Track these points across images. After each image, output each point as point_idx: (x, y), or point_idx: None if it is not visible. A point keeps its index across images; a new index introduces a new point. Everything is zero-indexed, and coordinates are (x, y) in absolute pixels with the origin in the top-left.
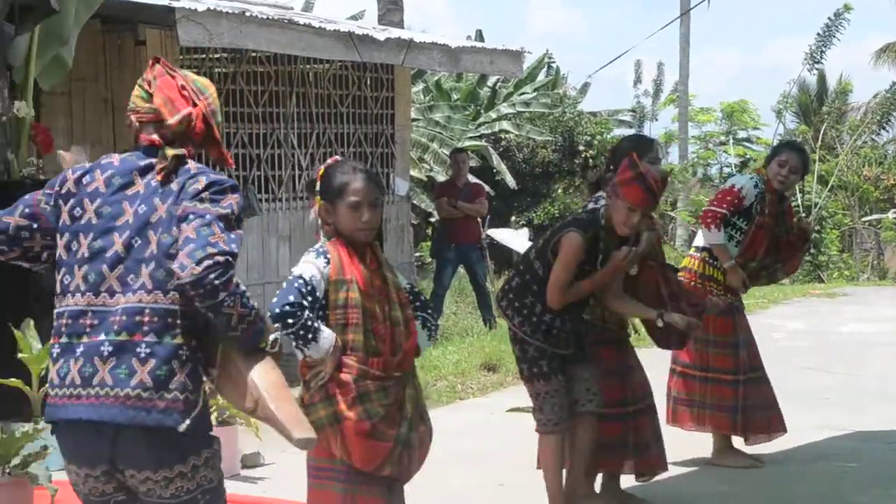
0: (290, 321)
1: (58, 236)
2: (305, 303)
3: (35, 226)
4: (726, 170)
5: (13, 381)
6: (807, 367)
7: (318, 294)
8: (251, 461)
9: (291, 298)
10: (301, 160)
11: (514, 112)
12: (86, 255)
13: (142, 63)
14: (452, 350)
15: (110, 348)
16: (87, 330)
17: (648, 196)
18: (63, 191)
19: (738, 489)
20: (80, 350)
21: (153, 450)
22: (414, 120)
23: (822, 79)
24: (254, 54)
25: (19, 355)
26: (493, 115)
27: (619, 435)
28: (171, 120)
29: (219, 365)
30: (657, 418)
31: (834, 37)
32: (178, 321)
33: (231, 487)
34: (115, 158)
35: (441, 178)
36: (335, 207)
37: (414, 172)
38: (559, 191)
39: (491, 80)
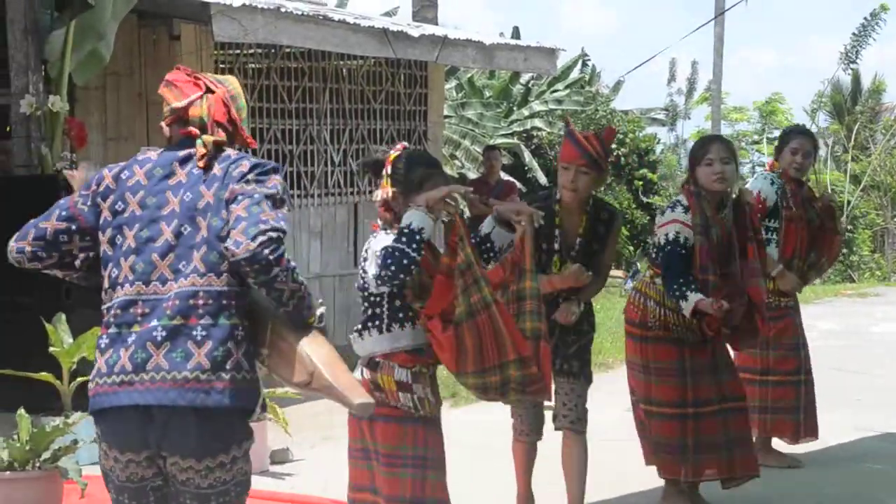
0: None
1: (100, 234)
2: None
3: (74, 227)
4: (759, 168)
5: (44, 375)
6: (839, 368)
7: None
8: (280, 457)
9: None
10: (333, 156)
11: (547, 109)
12: (132, 246)
13: (176, 58)
14: None
15: (164, 333)
16: (139, 319)
17: (577, 150)
18: (101, 189)
19: (769, 490)
20: (131, 339)
21: (202, 437)
22: (446, 117)
23: (856, 78)
24: (288, 50)
25: (50, 349)
26: (526, 112)
27: (678, 437)
28: (178, 104)
29: (269, 344)
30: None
31: (870, 36)
32: (233, 302)
33: (259, 483)
34: (152, 153)
35: (473, 175)
36: (409, 199)
37: (446, 169)
38: None
39: (524, 78)
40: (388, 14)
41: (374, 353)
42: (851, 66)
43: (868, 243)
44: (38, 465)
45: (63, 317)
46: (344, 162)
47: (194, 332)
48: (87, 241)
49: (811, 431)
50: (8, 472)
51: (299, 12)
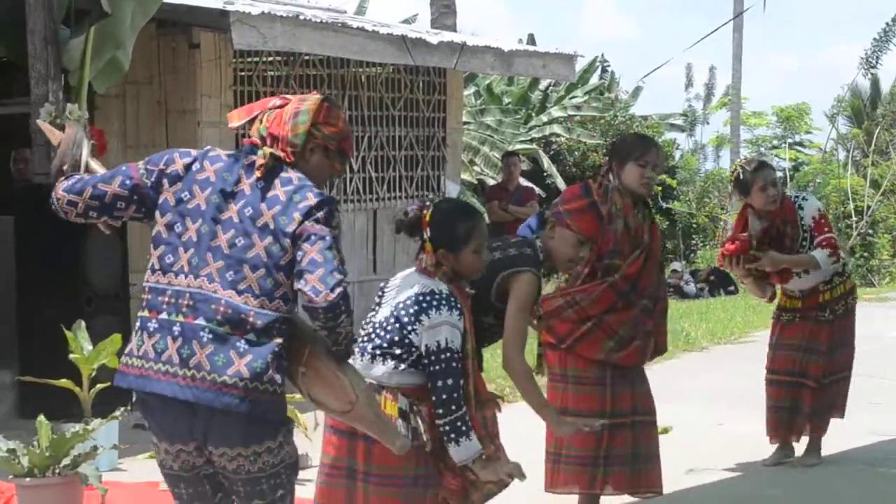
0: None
1: (157, 213)
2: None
3: (134, 197)
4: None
5: (64, 382)
6: (857, 372)
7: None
8: (300, 463)
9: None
10: (352, 163)
11: (566, 116)
12: (193, 239)
13: (195, 66)
14: (500, 353)
15: (211, 336)
16: (184, 310)
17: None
18: (169, 171)
19: (785, 492)
20: (177, 329)
21: (244, 428)
22: (465, 123)
23: (875, 83)
24: (307, 57)
25: (70, 356)
26: (545, 118)
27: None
28: (232, 124)
29: (305, 363)
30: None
31: (891, 42)
32: (280, 326)
33: None
34: (221, 153)
35: (492, 181)
36: (459, 254)
37: (465, 175)
38: None
39: (542, 84)
40: (406, 21)
41: (381, 381)
42: (872, 71)
43: (888, 247)
44: (57, 471)
45: (83, 324)
46: (363, 169)
47: (238, 345)
48: (142, 212)
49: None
50: (28, 479)
51: (318, 20)
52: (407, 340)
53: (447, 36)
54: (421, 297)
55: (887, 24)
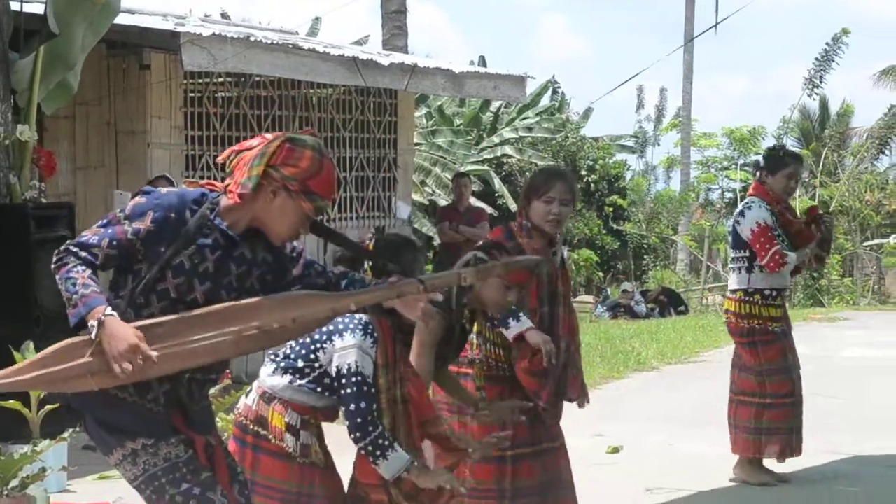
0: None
1: None
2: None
3: None
4: (728, 195)
5: (12, 403)
6: (809, 392)
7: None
8: None
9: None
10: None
11: (517, 137)
12: None
13: (146, 87)
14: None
15: None
16: None
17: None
18: None
19: None
20: None
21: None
22: (416, 144)
23: (823, 104)
24: (258, 79)
25: None
26: (496, 139)
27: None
28: (219, 159)
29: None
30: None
31: (833, 61)
32: None
33: None
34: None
35: (443, 202)
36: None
37: (416, 196)
38: None
39: (494, 105)
40: (358, 42)
41: (275, 392)
42: (816, 91)
43: (837, 268)
44: (6, 492)
45: (31, 345)
46: None
47: None
48: None
49: (798, 450)
50: None
51: (269, 41)
52: (312, 356)
53: (398, 57)
54: (338, 319)
55: (828, 44)
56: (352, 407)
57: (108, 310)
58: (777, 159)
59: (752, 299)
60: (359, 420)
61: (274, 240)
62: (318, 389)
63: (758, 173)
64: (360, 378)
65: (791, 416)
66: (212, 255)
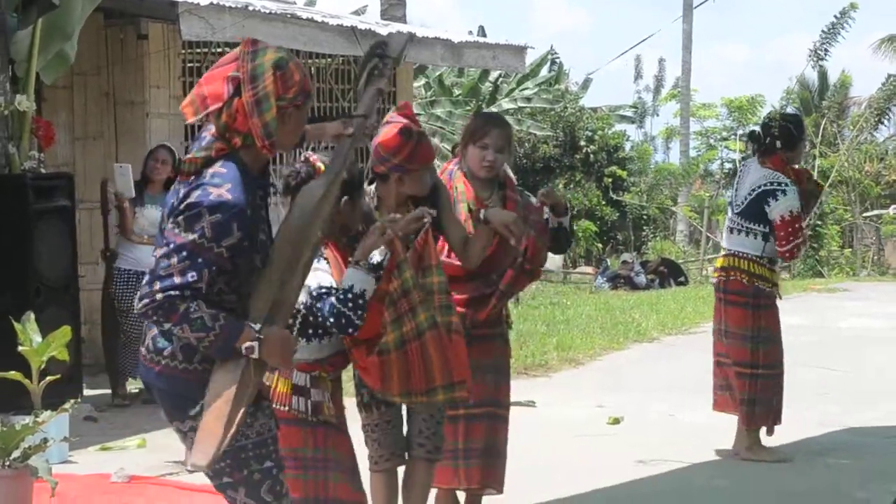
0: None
1: None
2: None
3: None
4: (727, 165)
5: (13, 374)
6: (807, 364)
7: None
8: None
9: None
10: (302, 155)
11: (516, 107)
12: None
13: (144, 57)
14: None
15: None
16: None
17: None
18: None
19: (734, 483)
20: None
21: (164, 404)
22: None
23: (823, 75)
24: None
25: (19, 348)
26: (495, 110)
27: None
28: (189, 120)
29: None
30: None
31: (839, 34)
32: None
33: None
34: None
35: None
36: (352, 199)
37: None
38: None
39: (493, 76)
40: (356, 13)
41: None
42: (820, 63)
43: (836, 239)
44: (7, 463)
45: (32, 315)
46: None
47: (149, 322)
48: None
49: (780, 419)
50: None
51: (267, 11)
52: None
53: (397, 27)
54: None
55: (836, 16)
56: (326, 311)
57: (256, 326)
58: (791, 135)
59: (765, 263)
60: (336, 311)
61: (281, 151)
62: (311, 338)
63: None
64: (322, 290)
65: (779, 387)
66: (264, 213)
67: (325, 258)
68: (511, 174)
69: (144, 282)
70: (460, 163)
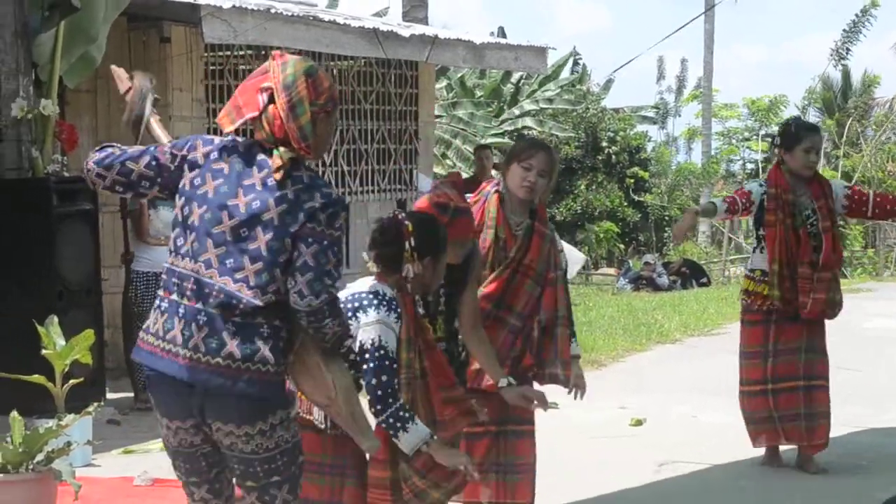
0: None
1: (177, 197)
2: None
3: (159, 179)
4: (749, 166)
5: (37, 378)
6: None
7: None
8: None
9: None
10: (325, 157)
11: (538, 108)
12: (196, 223)
13: (166, 60)
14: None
15: (205, 318)
16: (188, 293)
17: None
18: (189, 157)
19: (756, 484)
20: (182, 311)
21: (236, 407)
22: (437, 116)
23: (846, 75)
24: (278, 51)
25: (43, 352)
26: (517, 111)
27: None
28: (226, 130)
29: (295, 352)
30: None
31: (860, 33)
32: (270, 309)
33: None
34: (240, 144)
35: (465, 174)
36: (438, 261)
37: (437, 169)
38: (582, 187)
39: (514, 77)
40: (378, 14)
41: None
42: (842, 62)
43: (860, 239)
44: (31, 467)
45: (55, 319)
46: (335, 162)
47: (229, 327)
48: (165, 193)
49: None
50: (1, 475)
51: (289, 13)
52: None
53: (419, 29)
54: (363, 295)
55: (857, 15)
56: (373, 381)
57: None
58: (790, 135)
59: (754, 276)
60: (380, 393)
61: (316, 159)
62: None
63: (776, 152)
64: (382, 352)
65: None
66: None
67: (398, 313)
68: (545, 207)
69: (307, 279)
70: (499, 184)
